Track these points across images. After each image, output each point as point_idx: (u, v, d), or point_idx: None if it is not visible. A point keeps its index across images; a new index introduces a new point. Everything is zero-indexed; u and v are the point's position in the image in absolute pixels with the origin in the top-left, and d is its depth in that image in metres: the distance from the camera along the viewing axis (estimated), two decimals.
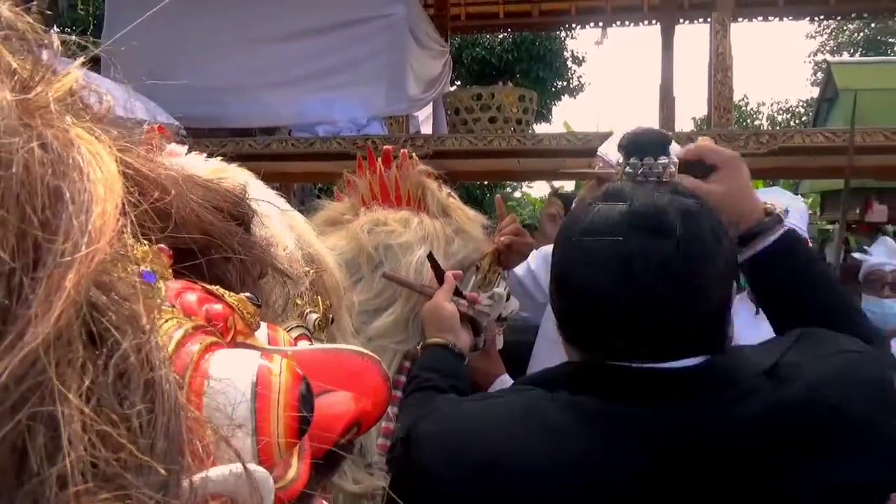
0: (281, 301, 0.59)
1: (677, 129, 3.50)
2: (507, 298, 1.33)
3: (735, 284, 0.84)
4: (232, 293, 0.35)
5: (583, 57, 12.51)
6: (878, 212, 6.24)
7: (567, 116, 28.17)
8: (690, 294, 0.78)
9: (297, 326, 0.64)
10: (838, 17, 7.43)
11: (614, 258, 0.78)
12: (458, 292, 1.22)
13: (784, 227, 0.98)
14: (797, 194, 4.47)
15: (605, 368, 0.81)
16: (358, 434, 0.37)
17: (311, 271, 0.72)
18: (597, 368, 0.82)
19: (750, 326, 1.66)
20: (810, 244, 1.38)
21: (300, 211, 0.85)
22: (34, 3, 0.26)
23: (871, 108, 4.97)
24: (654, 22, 4.73)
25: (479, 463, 0.78)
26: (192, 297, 0.32)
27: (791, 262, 0.97)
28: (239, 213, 0.44)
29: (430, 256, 1.21)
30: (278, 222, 0.71)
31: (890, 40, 17.99)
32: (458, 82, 9.26)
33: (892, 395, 0.78)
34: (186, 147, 0.68)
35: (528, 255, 1.50)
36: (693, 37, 5.53)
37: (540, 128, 10.48)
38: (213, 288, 0.34)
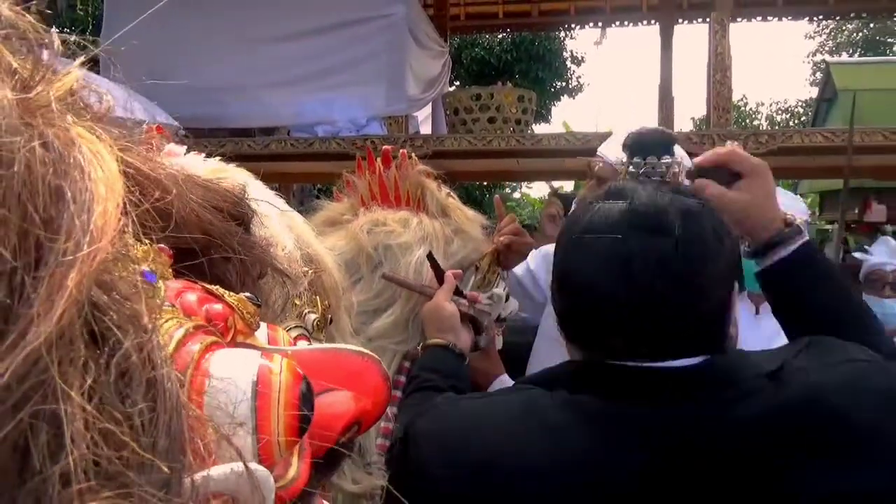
0: (280, 301, 0.59)
1: (676, 129, 3.50)
2: (507, 299, 1.33)
3: (736, 285, 0.84)
4: (232, 293, 0.35)
5: (582, 57, 12.50)
6: (877, 212, 6.25)
7: (566, 116, 28.14)
8: (690, 293, 0.78)
9: (296, 327, 0.64)
10: (837, 18, 7.45)
11: (614, 257, 0.78)
12: (458, 292, 1.22)
13: (804, 238, 0.97)
14: (796, 194, 4.47)
15: (604, 368, 0.81)
16: (358, 433, 0.37)
17: (310, 271, 0.72)
18: (596, 368, 0.82)
19: (750, 326, 1.67)
20: None
21: (299, 211, 0.85)
22: (34, 2, 0.26)
23: (869, 109, 4.98)
24: (653, 22, 4.74)
25: (477, 462, 0.78)
26: (192, 297, 0.32)
27: (810, 272, 0.96)
28: (239, 213, 0.44)
29: (430, 256, 1.21)
30: (277, 222, 0.71)
31: (889, 40, 18.01)
32: (458, 82, 9.26)
33: None
34: (185, 147, 0.68)
35: (527, 256, 1.50)
36: (692, 37, 5.54)
37: (539, 128, 10.48)
38: (213, 288, 0.34)
